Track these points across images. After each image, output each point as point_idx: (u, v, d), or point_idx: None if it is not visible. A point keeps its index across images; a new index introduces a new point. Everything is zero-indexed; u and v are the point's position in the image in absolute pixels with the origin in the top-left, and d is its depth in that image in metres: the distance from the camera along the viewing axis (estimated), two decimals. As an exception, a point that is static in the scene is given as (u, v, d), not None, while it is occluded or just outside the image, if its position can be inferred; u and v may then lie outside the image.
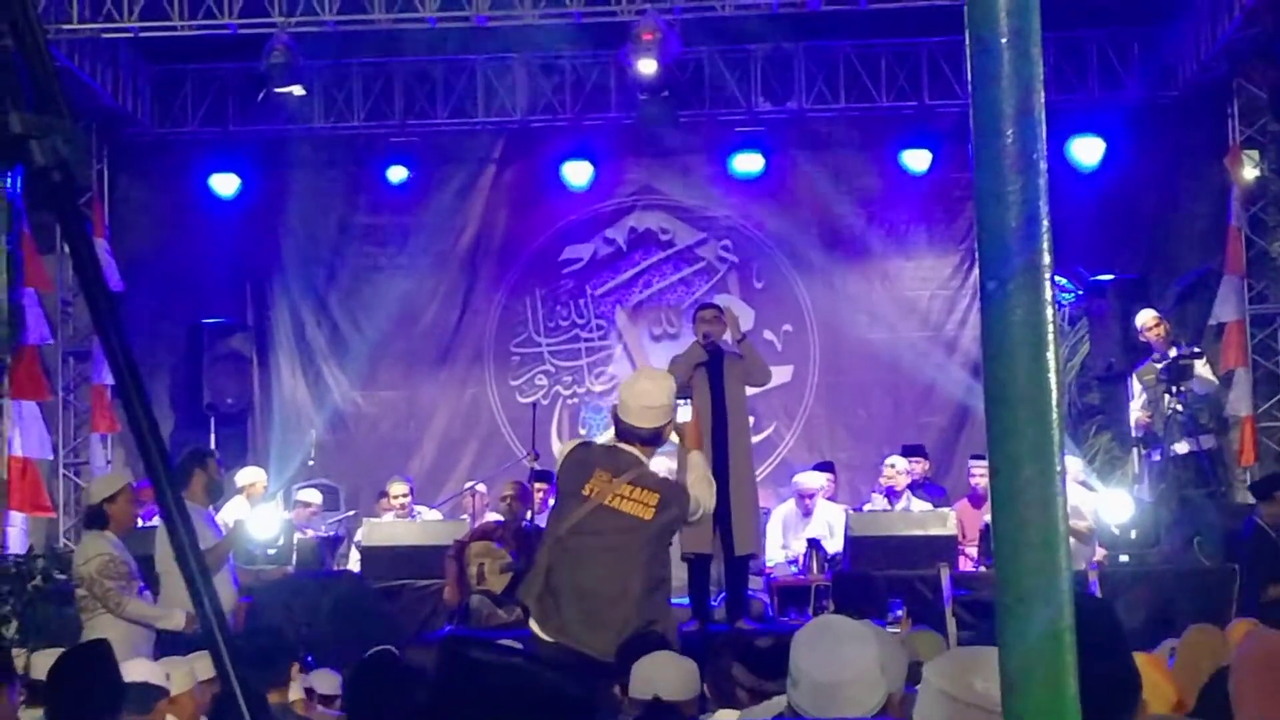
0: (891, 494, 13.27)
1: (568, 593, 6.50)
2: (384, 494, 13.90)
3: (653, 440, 6.76)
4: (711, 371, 10.30)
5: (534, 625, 6.59)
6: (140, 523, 10.78)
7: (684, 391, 7.09)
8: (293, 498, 14.04)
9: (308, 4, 13.46)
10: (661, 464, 7.97)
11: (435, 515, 14.00)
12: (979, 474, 13.31)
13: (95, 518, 9.04)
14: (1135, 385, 13.44)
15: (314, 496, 13.81)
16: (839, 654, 3.56)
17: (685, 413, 7.04)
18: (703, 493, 6.84)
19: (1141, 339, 13.33)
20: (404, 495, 13.52)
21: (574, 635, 6.41)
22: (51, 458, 14.31)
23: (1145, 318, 13.33)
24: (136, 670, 6.26)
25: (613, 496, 6.57)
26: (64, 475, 14.93)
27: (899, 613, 10.27)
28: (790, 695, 3.63)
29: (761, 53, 15.30)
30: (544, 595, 6.53)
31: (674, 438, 7.16)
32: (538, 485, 12.30)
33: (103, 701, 5.39)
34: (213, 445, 14.89)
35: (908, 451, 13.79)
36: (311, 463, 14.98)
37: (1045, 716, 1.54)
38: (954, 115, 14.73)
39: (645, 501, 6.55)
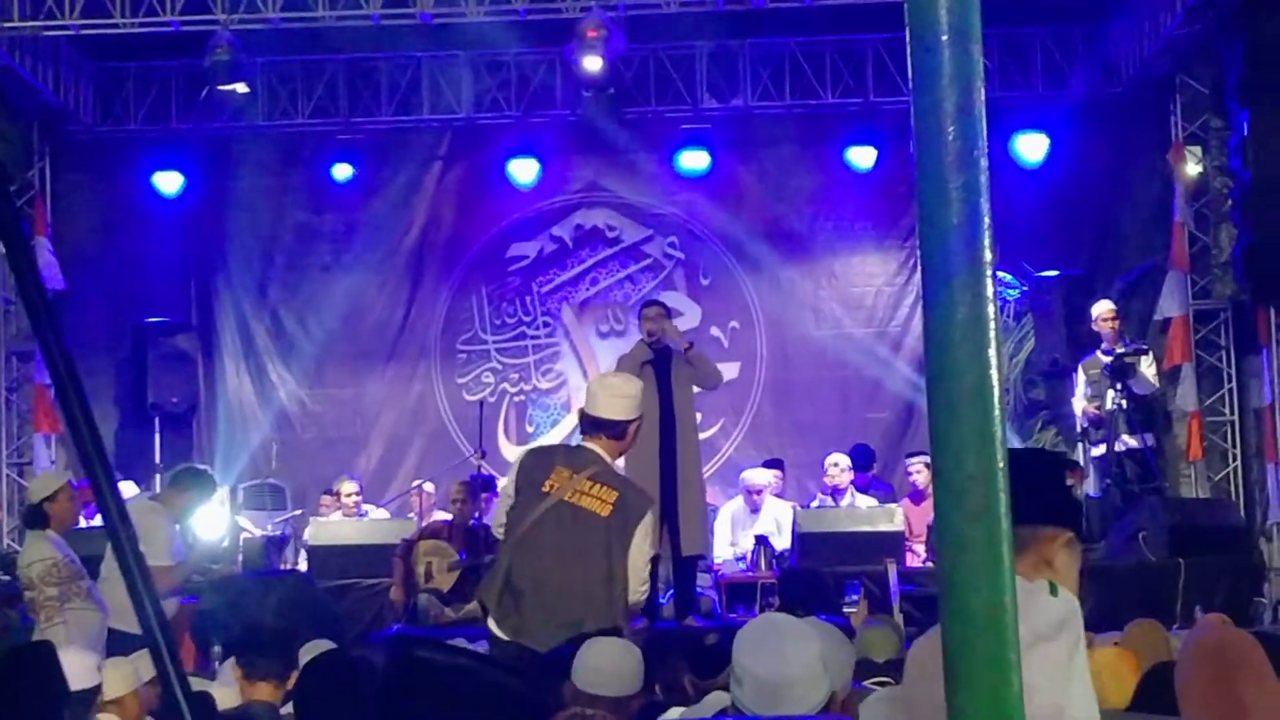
0: (836, 493, 13.24)
1: (528, 592, 6.42)
2: (328, 492, 13.82)
3: (618, 435, 6.65)
4: (659, 370, 10.18)
5: (492, 624, 6.52)
6: (85, 521, 10.68)
7: None
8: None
9: (250, 1, 13.39)
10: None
11: (383, 514, 13.95)
12: (916, 471, 13.36)
13: (35, 517, 8.95)
14: (1080, 377, 13.51)
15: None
16: (782, 652, 3.57)
17: None
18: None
19: (1094, 327, 13.38)
20: (354, 494, 13.49)
21: (531, 634, 6.34)
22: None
23: (1101, 308, 13.39)
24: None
25: (573, 492, 6.45)
26: (7, 475, 14.79)
27: (855, 597, 10.23)
28: (734, 693, 3.64)
29: (707, 50, 15.29)
30: (503, 593, 6.45)
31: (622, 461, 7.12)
32: (484, 495, 12.24)
33: (44, 705, 5.34)
34: (157, 445, 14.80)
35: (856, 456, 13.70)
36: (275, 464, 14.89)
37: (987, 696, 1.55)
38: (899, 112, 14.76)
39: (603, 498, 6.44)
